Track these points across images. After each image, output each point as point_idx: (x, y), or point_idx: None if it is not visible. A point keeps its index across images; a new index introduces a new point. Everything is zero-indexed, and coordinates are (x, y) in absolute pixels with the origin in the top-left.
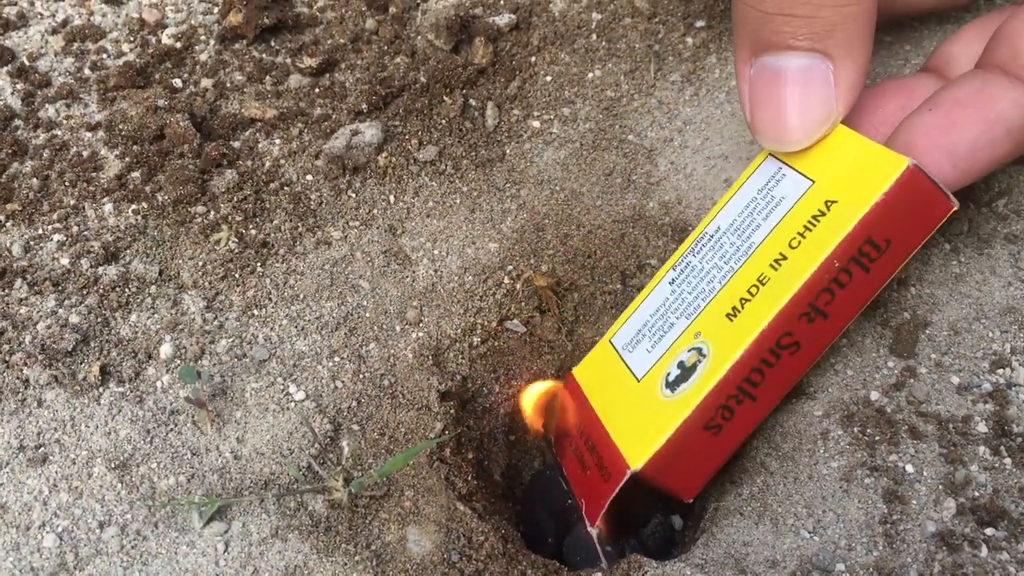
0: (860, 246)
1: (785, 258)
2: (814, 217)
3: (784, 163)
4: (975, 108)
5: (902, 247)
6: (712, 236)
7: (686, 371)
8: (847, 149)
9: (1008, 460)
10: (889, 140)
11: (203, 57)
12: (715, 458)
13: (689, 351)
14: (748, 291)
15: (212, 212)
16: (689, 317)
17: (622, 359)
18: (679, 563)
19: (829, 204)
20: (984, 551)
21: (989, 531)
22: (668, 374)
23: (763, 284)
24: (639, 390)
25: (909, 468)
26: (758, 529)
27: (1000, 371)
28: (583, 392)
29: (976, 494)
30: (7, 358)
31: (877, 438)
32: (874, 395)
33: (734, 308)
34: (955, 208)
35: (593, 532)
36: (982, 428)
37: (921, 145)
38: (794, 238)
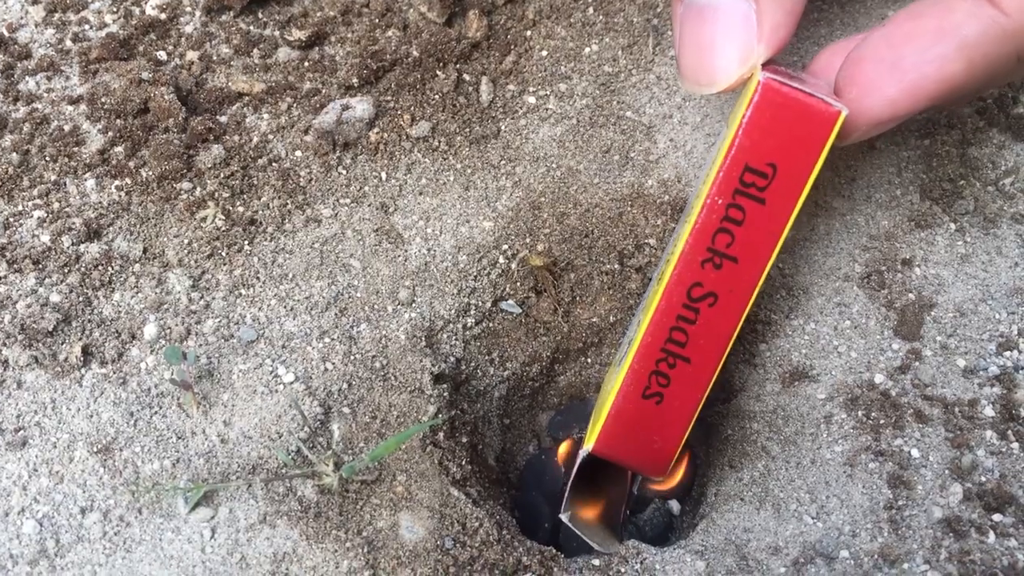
0: (740, 176)
1: (693, 210)
2: (714, 162)
3: (727, 120)
4: (928, 18)
5: (795, 170)
6: (682, 215)
7: (630, 345)
8: (748, 86)
9: (1016, 445)
10: (843, 61)
11: (188, 29)
12: (670, 430)
13: (636, 326)
14: (672, 253)
15: (198, 188)
16: (647, 295)
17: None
18: (678, 549)
19: (723, 144)
20: (991, 537)
21: (996, 517)
22: (620, 353)
23: (678, 242)
24: (608, 378)
25: (915, 452)
26: (759, 515)
27: (1007, 353)
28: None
29: (983, 479)
30: None
31: (882, 422)
32: (879, 378)
33: (662, 273)
34: (843, 113)
35: (564, 518)
36: (989, 412)
37: (867, 58)
38: (701, 188)
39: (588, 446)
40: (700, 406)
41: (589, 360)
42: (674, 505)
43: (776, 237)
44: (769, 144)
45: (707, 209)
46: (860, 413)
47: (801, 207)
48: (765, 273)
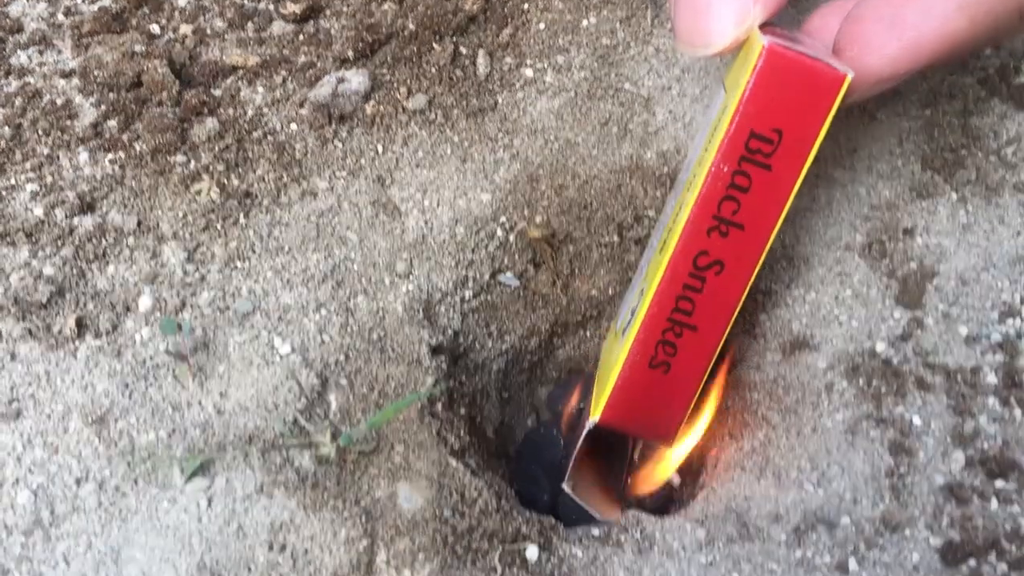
0: (746, 143)
1: (696, 177)
2: (715, 128)
3: (722, 83)
4: None
5: (801, 135)
6: (677, 180)
7: (634, 315)
8: (748, 50)
9: (1018, 411)
10: (843, 20)
11: (182, 2)
12: (677, 398)
13: (639, 295)
14: (674, 221)
15: (192, 162)
16: (646, 263)
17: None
18: (679, 518)
19: (725, 110)
20: (994, 504)
21: (999, 483)
22: (623, 323)
23: (681, 209)
24: (610, 346)
25: (916, 420)
26: (760, 483)
27: (1009, 321)
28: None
29: (985, 446)
30: None
31: (883, 390)
32: (880, 346)
33: (664, 242)
34: (849, 76)
35: (567, 487)
36: (991, 379)
37: (867, 17)
38: (703, 155)
39: (594, 417)
40: (707, 373)
41: (588, 333)
42: (674, 477)
43: (782, 203)
44: (774, 110)
45: (712, 177)
46: (861, 381)
47: (806, 173)
48: (771, 239)
